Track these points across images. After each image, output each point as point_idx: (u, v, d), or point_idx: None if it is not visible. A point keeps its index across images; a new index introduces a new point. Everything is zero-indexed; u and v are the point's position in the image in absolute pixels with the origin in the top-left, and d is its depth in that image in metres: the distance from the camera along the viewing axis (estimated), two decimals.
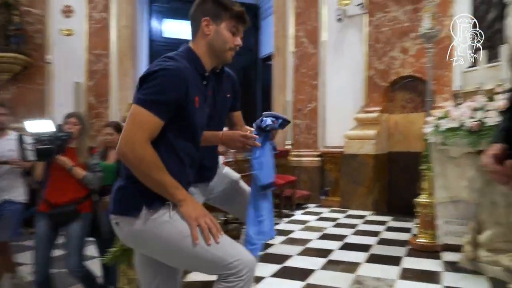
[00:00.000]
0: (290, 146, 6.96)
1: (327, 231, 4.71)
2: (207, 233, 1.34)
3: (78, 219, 2.55)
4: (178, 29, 9.08)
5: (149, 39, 8.58)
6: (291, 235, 4.56)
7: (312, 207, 6.34)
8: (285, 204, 5.89)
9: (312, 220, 5.37)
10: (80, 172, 2.56)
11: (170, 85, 1.31)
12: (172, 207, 1.37)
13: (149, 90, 1.30)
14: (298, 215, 5.76)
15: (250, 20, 1.61)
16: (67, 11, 6.84)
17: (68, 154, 2.57)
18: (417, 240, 3.87)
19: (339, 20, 6.45)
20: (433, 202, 3.63)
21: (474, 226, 3.19)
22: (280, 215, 5.50)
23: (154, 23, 8.70)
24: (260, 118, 1.71)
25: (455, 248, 3.44)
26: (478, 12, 4.12)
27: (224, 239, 1.39)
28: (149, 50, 8.52)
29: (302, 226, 5.03)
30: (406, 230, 4.67)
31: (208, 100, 1.59)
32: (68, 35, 6.70)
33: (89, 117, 6.59)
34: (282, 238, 4.41)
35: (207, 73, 1.51)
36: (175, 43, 8.67)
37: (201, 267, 1.42)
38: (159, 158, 1.32)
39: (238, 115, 2.03)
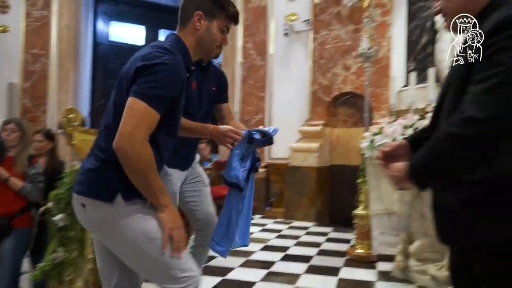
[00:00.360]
0: None
1: (270, 243, 4.75)
2: (176, 246, 1.32)
3: (12, 234, 2.36)
4: (126, 33, 8.82)
5: (94, 41, 8.23)
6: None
7: (256, 218, 6.37)
8: None
9: (256, 232, 5.38)
10: (17, 182, 2.38)
11: (169, 80, 1.29)
12: (149, 205, 1.33)
13: (149, 84, 1.26)
14: None
15: None
16: (3, 6, 6.39)
17: (6, 164, 2.39)
18: (354, 251, 4.02)
19: (286, 34, 6.63)
20: (369, 214, 3.79)
21: (405, 237, 3.38)
22: None
23: (100, 25, 8.36)
24: (256, 130, 1.73)
25: (389, 258, 3.60)
26: (413, 36, 4.43)
27: (184, 254, 1.37)
28: (93, 53, 8.17)
29: None
30: (346, 241, 4.83)
31: (194, 92, 1.57)
32: (3, 31, 6.27)
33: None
34: None
35: (193, 67, 1.50)
36: (123, 47, 8.48)
37: (150, 272, 1.38)
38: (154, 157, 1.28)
39: (226, 107, 2.04)
